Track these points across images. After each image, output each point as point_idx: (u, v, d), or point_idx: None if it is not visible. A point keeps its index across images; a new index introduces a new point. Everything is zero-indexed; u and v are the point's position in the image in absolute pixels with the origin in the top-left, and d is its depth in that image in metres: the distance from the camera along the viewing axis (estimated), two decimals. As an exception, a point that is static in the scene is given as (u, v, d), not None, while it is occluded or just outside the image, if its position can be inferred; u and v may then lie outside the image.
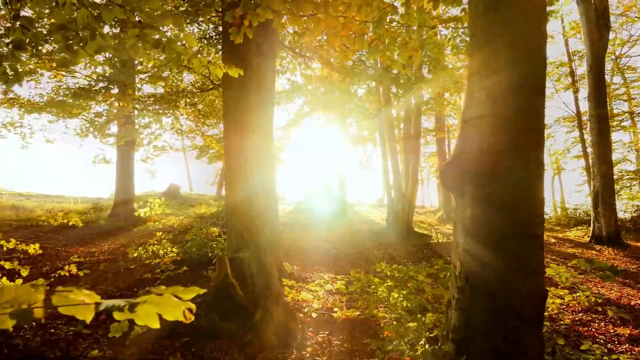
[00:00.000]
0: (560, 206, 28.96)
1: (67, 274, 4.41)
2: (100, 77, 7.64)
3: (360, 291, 4.55)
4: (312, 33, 3.82)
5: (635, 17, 18.11)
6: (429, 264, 7.21)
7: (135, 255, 6.14)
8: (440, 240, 12.16)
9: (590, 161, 15.35)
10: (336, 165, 22.73)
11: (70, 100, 7.73)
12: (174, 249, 6.58)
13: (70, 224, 4.79)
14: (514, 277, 2.19)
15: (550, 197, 34.17)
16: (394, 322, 4.13)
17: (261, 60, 6.73)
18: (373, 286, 4.68)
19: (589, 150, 20.51)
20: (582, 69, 18.50)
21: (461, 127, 2.55)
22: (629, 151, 21.19)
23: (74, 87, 9.70)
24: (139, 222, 10.68)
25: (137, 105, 8.34)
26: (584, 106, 18.17)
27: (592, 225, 14.35)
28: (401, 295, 4.15)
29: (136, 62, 12.01)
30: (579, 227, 17.16)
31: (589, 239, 14.47)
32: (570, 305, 4.69)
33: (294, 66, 9.27)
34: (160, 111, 7.91)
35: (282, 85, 13.73)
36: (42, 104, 7.67)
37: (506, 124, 2.28)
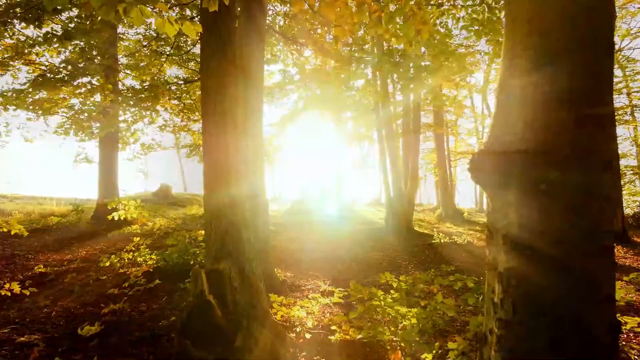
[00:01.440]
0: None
1: (9, 294, 3.74)
2: (64, 65, 6.86)
3: (364, 310, 3.90)
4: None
5: (637, 8, 17.58)
6: (437, 270, 6.60)
7: (107, 264, 5.48)
8: (442, 241, 11.56)
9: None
10: (333, 163, 22.12)
11: (30, 90, 6.99)
12: (152, 256, 5.92)
13: (13, 232, 4.10)
14: (585, 305, 1.57)
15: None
16: (402, 344, 3.50)
17: (247, 45, 6.08)
18: (376, 300, 4.04)
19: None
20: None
21: (499, 102, 1.92)
22: (632, 145, 20.78)
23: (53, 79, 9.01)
24: (123, 225, 9.98)
25: (119, 98, 7.63)
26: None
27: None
28: (413, 314, 3.51)
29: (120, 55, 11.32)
30: (583, 225, 16.64)
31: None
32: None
33: (285, 55, 8.57)
34: (137, 104, 7.15)
35: (273, 79, 13.04)
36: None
37: (565, 95, 1.65)
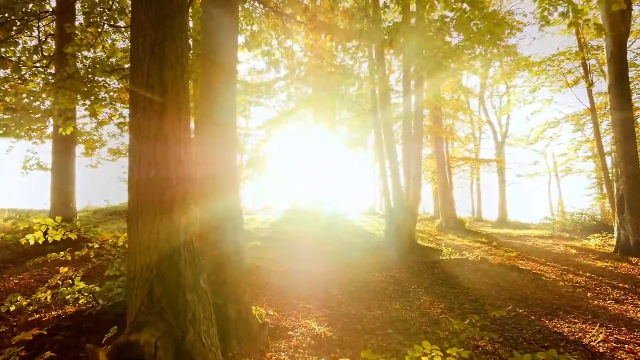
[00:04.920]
0: (559, 210, 27.37)
1: None
2: None
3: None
4: None
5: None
6: (480, 313, 5.13)
7: (12, 308, 3.90)
8: (451, 257, 10.10)
9: (612, 160, 13.56)
10: (326, 170, 20.66)
11: None
12: (85, 292, 4.38)
13: None
14: None
15: (547, 202, 32.71)
16: None
17: (208, 10, 4.61)
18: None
19: (607, 149, 18.91)
20: (594, 61, 16.92)
21: None
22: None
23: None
24: (79, 243, 8.36)
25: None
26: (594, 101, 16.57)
27: (616, 232, 12.57)
28: None
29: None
30: (595, 235, 15.34)
31: (612, 248, 12.71)
32: None
33: (268, 34, 7.03)
34: (75, 88, 5.49)
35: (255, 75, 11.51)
36: None
37: None
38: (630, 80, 18.20)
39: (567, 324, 5.70)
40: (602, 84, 20.16)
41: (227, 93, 4.71)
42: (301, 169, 23.27)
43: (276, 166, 21.62)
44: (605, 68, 18.95)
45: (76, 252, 4.65)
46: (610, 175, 16.24)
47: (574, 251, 12.83)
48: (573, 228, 18.81)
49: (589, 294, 7.52)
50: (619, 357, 4.44)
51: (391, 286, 7.70)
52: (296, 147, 21.69)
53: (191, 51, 6.38)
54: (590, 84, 15.82)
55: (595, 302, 7.00)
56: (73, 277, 4.49)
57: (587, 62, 16.21)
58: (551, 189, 32.01)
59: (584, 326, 5.64)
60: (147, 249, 2.31)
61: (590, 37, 17.97)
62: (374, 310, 6.05)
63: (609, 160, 16.96)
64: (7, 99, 6.26)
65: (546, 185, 31.53)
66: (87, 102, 6.26)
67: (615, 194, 12.94)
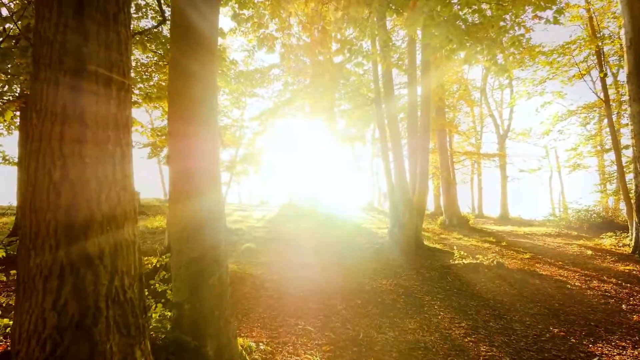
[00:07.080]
0: (562, 206, 26.61)
1: None
2: None
3: None
4: None
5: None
6: None
7: None
8: (464, 261, 9.16)
9: (632, 153, 12.66)
10: (323, 165, 19.67)
11: None
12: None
13: None
14: None
15: (549, 198, 32.00)
16: None
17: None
18: None
19: (622, 142, 18.05)
20: (607, 48, 15.99)
21: None
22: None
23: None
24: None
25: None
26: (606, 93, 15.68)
27: (634, 232, 11.77)
28: None
29: None
30: (608, 234, 14.45)
31: (630, 249, 11.93)
32: None
33: (260, 3, 5.94)
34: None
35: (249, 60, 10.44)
36: None
37: None
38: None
39: (616, 350, 4.80)
40: (610, 77, 19.26)
41: (205, 73, 3.69)
42: (298, 163, 22.27)
43: (272, 160, 20.64)
44: (613, 59, 18.14)
45: (12, 271, 3.67)
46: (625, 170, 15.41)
47: (589, 252, 11.97)
48: (579, 225, 18.08)
49: (623, 306, 6.65)
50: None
51: (402, 298, 6.76)
52: (293, 141, 20.70)
53: (168, 22, 5.37)
54: (605, 74, 14.91)
55: (635, 316, 6.13)
56: (4, 304, 3.50)
57: (601, 50, 15.27)
58: (552, 185, 31.23)
59: (635, 352, 4.75)
60: (39, 306, 1.35)
61: (603, 26, 17.07)
62: (386, 331, 5.11)
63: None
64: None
65: (547, 182, 30.81)
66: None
67: (634, 191, 12.05)
